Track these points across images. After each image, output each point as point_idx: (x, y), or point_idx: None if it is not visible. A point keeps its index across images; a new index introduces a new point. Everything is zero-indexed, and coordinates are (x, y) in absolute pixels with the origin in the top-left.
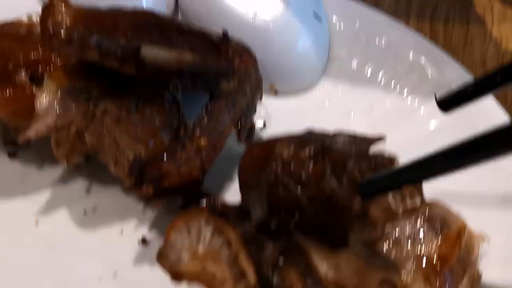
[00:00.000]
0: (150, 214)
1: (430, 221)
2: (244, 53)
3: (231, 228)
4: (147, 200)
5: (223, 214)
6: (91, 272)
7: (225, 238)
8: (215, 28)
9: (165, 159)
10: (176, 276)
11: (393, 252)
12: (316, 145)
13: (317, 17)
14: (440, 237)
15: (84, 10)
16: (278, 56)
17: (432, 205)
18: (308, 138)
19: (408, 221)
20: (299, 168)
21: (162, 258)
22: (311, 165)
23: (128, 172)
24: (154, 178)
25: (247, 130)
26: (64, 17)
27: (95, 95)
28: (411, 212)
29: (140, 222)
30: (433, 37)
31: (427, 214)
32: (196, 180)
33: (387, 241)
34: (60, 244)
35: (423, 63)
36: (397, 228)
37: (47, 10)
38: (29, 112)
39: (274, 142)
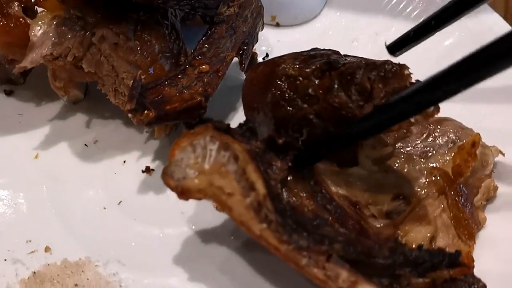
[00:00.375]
0: (152, 144)
1: (442, 136)
2: None
3: (238, 142)
4: (149, 125)
5: (228, 131)
6: (95, 201)
7: (231, 153)
8: None
9: (166, 83)
10: (183, 193)
11: (406, 168)
12: (322, 60)
13: None
14: (453, 150)
15: None
16: None
17: (445, 121)
18: (313, 55)
19: (420, 137)
20: (306, 83)
21: (167, 176)
22: (317, 80)
23: (129, 96)
24: (155, 102)
25: (249, 59)
26: None
27: (91, 22)
28: (423, 128)
29: (143, 153)
30: None
31: (439, 129)
32: (199, 105)
33: (399, 158)
34: (62, 176)
35: None
36: (409, 144)
37: None
38: (24, 43)
39: (278, 60)
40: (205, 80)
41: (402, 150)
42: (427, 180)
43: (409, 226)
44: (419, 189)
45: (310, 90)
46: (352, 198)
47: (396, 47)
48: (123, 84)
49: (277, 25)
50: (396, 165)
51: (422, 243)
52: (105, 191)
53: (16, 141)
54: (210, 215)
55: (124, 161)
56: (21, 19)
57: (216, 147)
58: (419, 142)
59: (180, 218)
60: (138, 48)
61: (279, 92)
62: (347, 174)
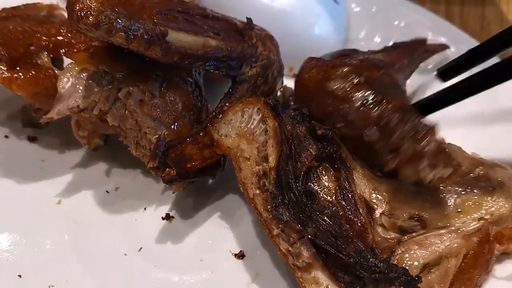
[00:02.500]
0: (171, 193)
1: (487, 180)
2: (268, 40)
3: (273, 119)
4: (169, 182)
5: (275, 108)
6: (116, 247)
7: (266, 127)
8: (233, 11)
9: (187, 141)
10: (217, 145)
11: (437, 195)
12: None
13: (334, 0)
14: (489, 195)
15: None
16: (296, 39)
17: (497, 167)
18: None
19: (466, 173)
20: (348, 110)
21: (214, 129)
22: (361, 108)
23: (152, 155)
24: (176, 160)
25: None
26: (91, 1)
27: (118, 78)
28: (473, 166)
29: (162, 200)
30: (448, 20)
31: (487, 172)
32: (218, 163)
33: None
34: (84, 222)
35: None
36: (451, 176)
37: None
38: (51, 93)
39: (330, 71)
40: None
41: (446, 182)
42: (464, 220)
43: (410, 246)
44: (439, 218)
45: (349, 117)
46: (371, 203)
47: (447, 73)
48: (145, 138)
49: (294, 76)
50: (430, 189)
51: (416, 263)
52: (126, 238)
53: (39, 187)
54: (229, 263)
55: (145, 208)
56: (49, 70)
57: (259, 118)
58: (463, 177)
59: (199, 265)
60: (163, 106)
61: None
62: (380, 182)
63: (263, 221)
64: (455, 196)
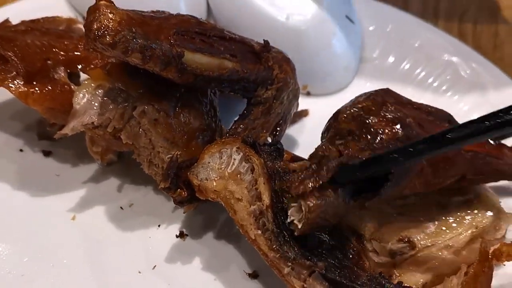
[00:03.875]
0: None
1: (463, 194)
2: (284, 63)
3: (258, 156)
4: (180, 203)
5: (254, 145)
6: (130, 265)
7: (250, 165)
8: (248, 29)
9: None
10: (201, 191)
11: (420, 214)
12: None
13: (349, 18)
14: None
15: (129, 14)
16: (311, 58)
17: (486, 196)
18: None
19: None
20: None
21: (193, 174)
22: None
23: (164, 175)
24: (188, 182)
25: (281, 138)
26: (109, 20)
27: (133, 96)
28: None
29: (176, 217)
30: (461, 39)
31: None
32: None
33: (417, 200)
34: (99, 238)
35: (456, 62)
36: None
37: (93, 12)
38: (66, 108)
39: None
40: None
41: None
42: (450, 235)
43: (406, 268)
44: (426, 237)
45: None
46: (359, 229)
47: None
48: (158, 157)
49: (308, 94)
50: (412, 208)
51: (415, 285)
52: (141, 255)
53: (54, 202)
54: (243, 283)
55: (159, 225)
56: (66, 86)
57: (239, 157)
58: (438, 193)
59: (213, 285)
60: (177, 126)
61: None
62: (366, 208)
63: (271, 261)
64: (436, 213)
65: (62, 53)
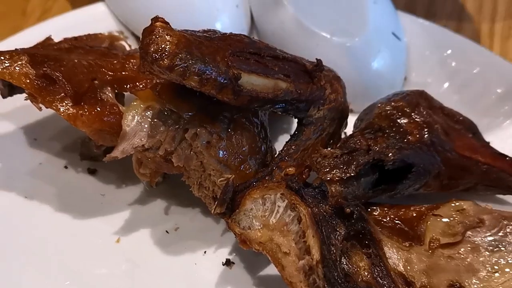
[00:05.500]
0: (231, 235)
1: None
2: (335, 82)
3: (304, 205)
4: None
5: (299, 191)
6: None
7: (296, 214)
8: (292, 46)
9: (254, 187)
10: (244, 241)
11: (470, 258)
12: None
13: (396, 35)
14: None
15: (186, 36)
16: (355, 75)
17: None
18: None
19: (491, 229)
20: None
21: (234, 223)
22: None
23: (219, 200)
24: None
25: None
26: (166, 43)
27: (185, 118)
28: (497, 221)
29: (222, 243)
30: None
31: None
32: None
33: (465, 246)
34: (143, 262)
35: None
36: (478, 235)
37: (149, 34)
38: (115, 130)
39: None
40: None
41: (470, 238)
42: (503, 279)
43: None
44: (477, 282)
45: None
46: (409, 277)
47: None
48: (209, 180)
49: (351, 111)
50: (461, 252)
51: None
52: (186, 282)
53: (98, 224)
54: None
55: (205, 252)
56: (114, 107)
57: (284, 205)
58: (489, 234)
59: None
60: (230, 148)
61: None
62: (409, 252)
63: None
64: (487, 255)
65: (110, 73)
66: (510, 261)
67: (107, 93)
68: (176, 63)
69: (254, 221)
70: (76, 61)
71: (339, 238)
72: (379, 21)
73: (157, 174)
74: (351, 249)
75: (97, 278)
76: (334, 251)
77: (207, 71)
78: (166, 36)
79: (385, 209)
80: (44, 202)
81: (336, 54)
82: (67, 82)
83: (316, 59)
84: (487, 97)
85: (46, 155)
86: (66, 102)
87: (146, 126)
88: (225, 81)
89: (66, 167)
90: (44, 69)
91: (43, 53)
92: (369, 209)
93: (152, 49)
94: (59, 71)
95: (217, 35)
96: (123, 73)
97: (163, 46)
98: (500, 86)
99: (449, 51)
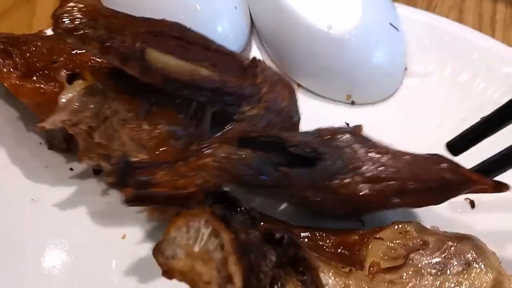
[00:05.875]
0: None
1: (459, 255)
2: (279, 85)
3: (227, 231)
4: (127, 202)
5: (224, 217)
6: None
7: (219, 241)
8: (290, 40)
9: (162, 166)
10: (168, 272)
11: (412, 282)
12: None
13: (393, 26)
14: (466, 273)
15: (97, 6)
16: (354, 67)
17: (465, 239)
18: None
19: (435, 251)
20: None
21: (158, 252)
22: None
23: (112, 170)
24: (141, 181)
25: None
26: (73, 8)
27: (111, 97)
28: (441, 242)
29: None
30: None
31: (457, 247)
32: (192, 196)
33: (407, 269)
34: (150, 258)
35: None
36: (422, 258)
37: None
38: (53, 105)
39: None
40: (206, 174)
41: (413, 262)
42: None
43: None
44: None
45: None
46: None
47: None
48: None
49: (352, 103)
50: (404, 276)
51: None
52: None
53: (104, 222)
54: None
55: None
56: (61, 86)
57: (208, 232)
58: (433, 257)
59: None
60: (146, 129)
61: None
62: (348, 277)
63: None
64: (431, 279)
65: (68, 57)
66: (454, 285)
67: (62, 74)
68: (77, 26)
69: (177, 250)
70: (39, 43)
71: (269, 265)
72: (376, 13)
73: (88, 154)
74: (285, 276)
75: (104, 275)
76: (264, 278)
77: (110, 40)
78: (75, 3)
79: (327, 233)
80: (51, 204)
81: (334, 47)
82: (21, 58)
83: (253, 57)
84: (490, 80)
85: (51, 159)
86: (14, 75)
87: (77, 102)
88: (129, 53)
89: (71, 169)
90: (4, 45)
91: (16, 36)
92: (308, 234)
93: (58, 12)
94: (17, 48)
95: (142, 18)
96: (83, 58)
97: (68, 9)
98: (502, 69)
99: (447, 39)
